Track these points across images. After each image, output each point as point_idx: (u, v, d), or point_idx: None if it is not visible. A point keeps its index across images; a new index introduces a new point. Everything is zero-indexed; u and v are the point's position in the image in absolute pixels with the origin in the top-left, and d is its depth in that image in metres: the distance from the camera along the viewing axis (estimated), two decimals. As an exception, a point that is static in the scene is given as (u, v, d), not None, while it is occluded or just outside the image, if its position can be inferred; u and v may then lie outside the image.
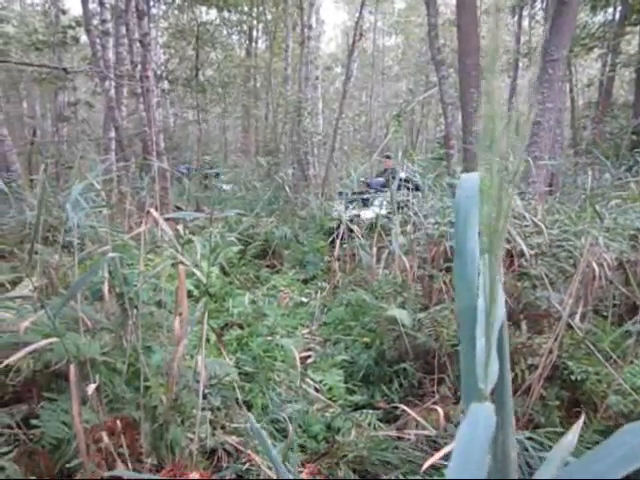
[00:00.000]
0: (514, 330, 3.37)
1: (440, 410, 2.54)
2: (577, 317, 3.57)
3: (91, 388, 1.73)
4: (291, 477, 1.19)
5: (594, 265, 3.80)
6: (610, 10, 13.92)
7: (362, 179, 9.90)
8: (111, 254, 1.87)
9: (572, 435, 0.81)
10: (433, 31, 6.86)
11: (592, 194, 4.67)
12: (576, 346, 2.92)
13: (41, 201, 1.71)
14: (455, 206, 0.83)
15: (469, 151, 6.02)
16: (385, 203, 8.00)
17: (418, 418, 2.51)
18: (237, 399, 3.19)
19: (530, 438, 2.27)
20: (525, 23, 16.85)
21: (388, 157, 10.08)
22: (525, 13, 16.30)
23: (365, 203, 8.37)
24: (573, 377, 2.67)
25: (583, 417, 1.17)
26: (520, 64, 16.91)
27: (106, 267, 2.28)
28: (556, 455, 0.77)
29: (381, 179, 9.71)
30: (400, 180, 6.90)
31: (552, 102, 5.70)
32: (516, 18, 16.39)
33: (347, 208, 7.69)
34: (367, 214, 7.62)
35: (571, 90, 13.39)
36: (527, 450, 2.24)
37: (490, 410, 0.64)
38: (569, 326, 3.07)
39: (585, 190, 6.96)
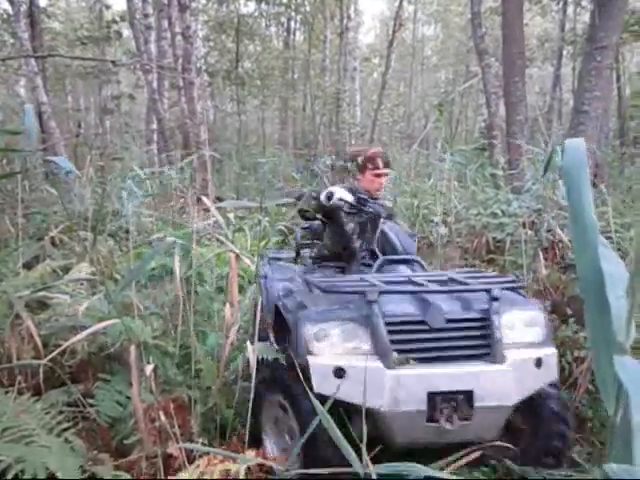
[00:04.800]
0: (559, 324, 3.31)
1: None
2: (626, 310, 3.48)
3: (149, 369, 1.81)
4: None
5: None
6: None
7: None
8: (169, 238, 1.94)
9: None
10: (476, 19, 6.74)
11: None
12: (626, 339, 2.85)
13: (103, 192, 1.78)
14: (565, 173, 0.85)
15: (513, 141, 5.91)
16: None
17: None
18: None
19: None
20: (570, 10, 16.31)
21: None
22: (570, -1, 15.78)
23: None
24: (622, 370, 2.61)
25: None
26: (564, 52, 16.40)
27: (161, 253, 2.35)
28: None
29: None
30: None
31: (600, 91, 5.53)
32: (560, 4, 15.87)
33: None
34: None
35: (618, 79, 12.92)
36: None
37: (635, 362, 0.70)
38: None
39: (633, 181, 6.75)
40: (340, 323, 2.11)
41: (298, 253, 3.43)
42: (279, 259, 3.53)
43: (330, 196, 2.72)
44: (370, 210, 2.90)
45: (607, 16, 5.34)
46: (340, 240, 3.01)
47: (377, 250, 3.03)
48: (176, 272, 2.13)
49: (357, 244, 2.98)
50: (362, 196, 2.90)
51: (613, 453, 0.76)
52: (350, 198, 2.82)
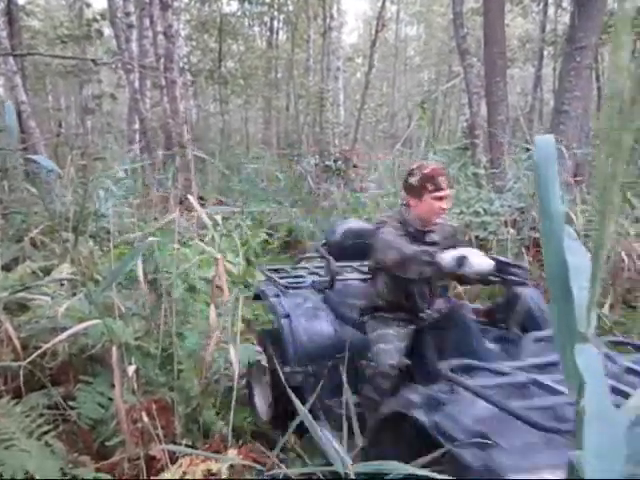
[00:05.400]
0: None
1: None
2: (606, 307, 3.56)
3: (131, 370, 1.79)
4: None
5: (623, 255, 3.77)
6: (639, -4, 13.52)
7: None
8: (151, 238, 1.92)
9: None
10: (458, 20, 6.79)
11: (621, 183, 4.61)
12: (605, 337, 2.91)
13: (85, 192, 1.76)
14: (535, 167, 0.88)
15: (495, 140, 5.97)
16: None
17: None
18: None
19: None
20: (550, 11, 16.51)
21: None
22: (551, 0, 15.98)
23: None
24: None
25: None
26: (545, 53, 16.61)
27: (141, 254, 2.33)
28: None
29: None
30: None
31: (580, 91, 5.61)
32: (541, 5, 16.06)
33: None
34: None
35: (597, 79, 13.14)
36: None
37: (594, 350, 0.75)
38: (597, 316, 3.06)
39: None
40: (551, 471, 1.37)
41: (332, 283, 2.83)
42: (291, 285, 3.03)
43: (462, 262, 1.93)
44: (514, 279, 2.08)
45: (586, 17, 5.42)
46: (400, 288, 2.32)
47: (515, 327, 2.24)
48: (139, 274, 2.10)
49: (416, 290, 2.32)
50: (501, 259, 2.09)
51: (577, 441, 0.80)
52: (489, 265, 1.99)
